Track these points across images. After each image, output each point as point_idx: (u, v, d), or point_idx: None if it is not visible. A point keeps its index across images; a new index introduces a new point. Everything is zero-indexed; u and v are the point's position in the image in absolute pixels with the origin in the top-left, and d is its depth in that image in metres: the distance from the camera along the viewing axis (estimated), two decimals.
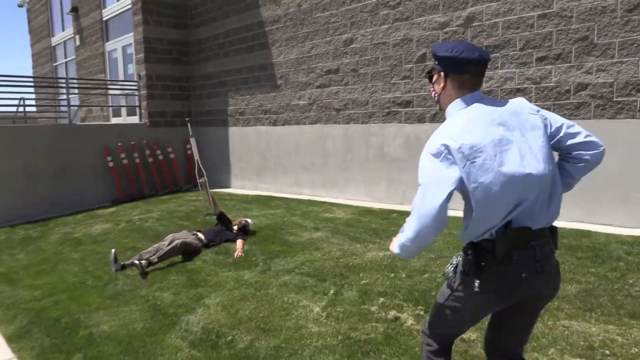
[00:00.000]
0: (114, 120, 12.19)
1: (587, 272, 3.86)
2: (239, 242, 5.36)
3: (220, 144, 10.48)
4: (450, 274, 1.87)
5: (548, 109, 5.55)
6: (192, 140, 6.69)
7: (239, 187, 10.11)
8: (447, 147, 1.67)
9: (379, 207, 7.01)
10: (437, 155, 1.68)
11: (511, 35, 5.76)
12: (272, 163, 9.33)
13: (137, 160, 10.04)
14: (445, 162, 1.68)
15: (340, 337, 3.16)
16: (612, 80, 5.06)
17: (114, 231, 6.80)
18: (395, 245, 1.85)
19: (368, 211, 6.82)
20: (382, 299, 3.68)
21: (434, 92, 1.88)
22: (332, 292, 3.94)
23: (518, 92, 5.78)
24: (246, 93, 9.68)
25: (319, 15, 8.03)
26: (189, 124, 6.48)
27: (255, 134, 9.61)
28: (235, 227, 5.78)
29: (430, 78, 1.89)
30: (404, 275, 4.14)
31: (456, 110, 1.77)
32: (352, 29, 7.54)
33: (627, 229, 4.95)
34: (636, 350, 2.76)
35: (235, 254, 5.09)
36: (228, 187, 10.34)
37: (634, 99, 4.95)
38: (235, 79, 9.90)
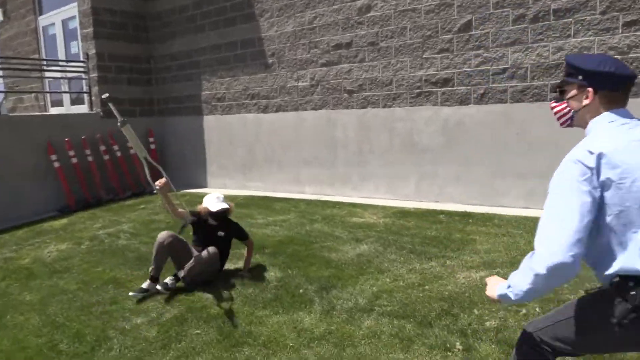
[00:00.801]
0: (54, 110, 10.05)
1: None
2: (249, 246, 4.24)
3: (193, 136, 8.81)
4: None
5: (638, 85, 4.59)
6: (127, 130, 3.72)
7: (219, 186, 8.52)
8: None
9: (413, 207, 5.82)
10: None
11: None
12: (262, 157, 7.85)
13: (90, 159, 8.15)
14: None
15: None
16: None
17: (77, 254, 5.09)
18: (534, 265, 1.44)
19: (404, 213, 5.61)
20: None
21: (563, 108, 1.68)
22: (457, 345, 2.68)
23: None
24: (226, 75, 8.09)
25: None
26: (112, 107, 3.69)
27: (239, 124, 8.06)
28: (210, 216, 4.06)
29: (563, 92, 1.68)
30: (537, 309, 2.97)
31: (597, 124, 1.57)
32: None
33: None
34: None
35: (243, 266, 4.14)
36: (204, 186, 8.72)
37: None
38: (210, 58, 8.27)
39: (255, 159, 7.94)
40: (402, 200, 6.26)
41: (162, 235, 3.84)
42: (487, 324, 2.89)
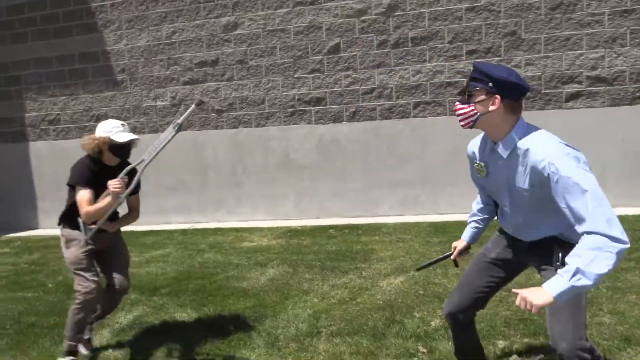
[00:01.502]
0: None
1: None
2: (136, 208, 3.10)
3: (13, 168, 7.22)
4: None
5: None
6: None
7: (56, 225, 7.12)
8: None
9: (299, 225, 5.83)
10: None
11: (439, 27, 5.53)
12: None
13: None
14: None
15: None
16: (540, 73, 5.34)
17: None
18: (608, 261, 1.48)
19: (293, 232, 5.57)
20: (501, 342, 2.74)
21: (470, 111, 1.78)
22: (420, 348, 2.76)
23: (449, 85, 5.59)
24: (61, 93, 6.89)
25: None
26: None
27: (81, 150, 6.90)
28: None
29: (470, 96, 1.79)
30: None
31: (530, 129, 1.78)
32: (236, 11, 6.11)
33: None
34: None
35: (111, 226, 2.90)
36: (34, 227, 7.20)
37: (559, 90, 5.33)
38: (37, 72, 6.95)
39: None
40: (283, 219, 6.21)
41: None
42: (433, 323, 3.04)
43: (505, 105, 1.74)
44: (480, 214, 2.20)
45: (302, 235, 5.41)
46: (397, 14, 5.64)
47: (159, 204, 6.69)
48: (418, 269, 2.30)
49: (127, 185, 2.67)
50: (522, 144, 1.74)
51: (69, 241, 2.82)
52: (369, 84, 5.82)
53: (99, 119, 6.80)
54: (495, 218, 2.15)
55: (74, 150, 6.82)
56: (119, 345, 3.16)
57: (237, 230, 5.89)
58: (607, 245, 1.49)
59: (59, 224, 2.92)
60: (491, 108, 1.74)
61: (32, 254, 5.77)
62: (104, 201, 2.64)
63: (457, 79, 5.57)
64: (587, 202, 1.54)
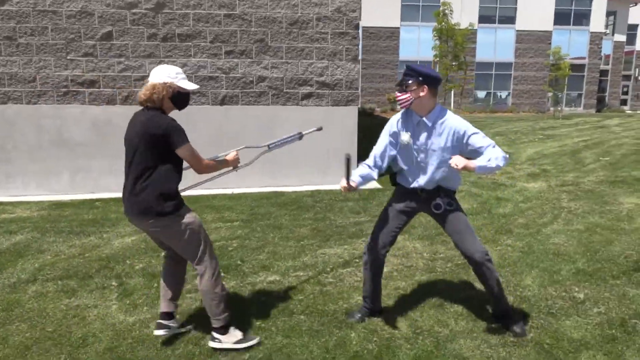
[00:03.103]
0: None
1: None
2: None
3: None
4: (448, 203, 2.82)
5: (237, 96, 6.60)
6: None
7: None
8: None
9: (69, 199, 6.21)
10: None
11: (202, 28, 6.40)
12: None
13: None
14: None
15: None
16: (282, 75, 6.62)
17: None
18: (500, 159, 2.59)
19: (59, 204, 5.95)
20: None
21: (407, 96, 2.67)
22: (113, 283, 3.59)
23: (211, 79, 6.53)
24: None
25: None
26: None
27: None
28: None
29: (404, 86, 2.66)
30: None
31: (443, 109, 2.76)
32: None
33: (297, 187, 6.70)
34: None
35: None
36: None
37: (296, 91, 6.67)
38: None
39: None
40: (56, 194, 6.49)
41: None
42: (137, 267, 3.91)
43: (429, 92, 2.64)
44: (368, 174, 2.80)
45: (67, 207, 5.83)
46: (165, 11, 6.34)
47: None
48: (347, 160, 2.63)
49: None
50: (441, 117, 2.69)
51: (176, 211, 2.53)
52: (141, 72, 6.44)
53: None
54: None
55: None
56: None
57: (1, 203, 6.00)
58: (498, 151, 2.61)
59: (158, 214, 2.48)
60: (421, 94, 2.64)
61: None
62: (218, 162, 2.69)
63: (217, 74, 6.53)
64: (484, 140, 2.66)
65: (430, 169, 2.73)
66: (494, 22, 27.54)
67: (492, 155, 2.57)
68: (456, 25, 14.15)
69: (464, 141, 2.65)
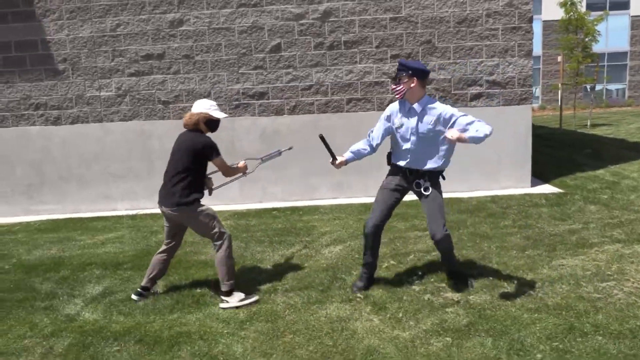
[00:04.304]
0: None
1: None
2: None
3: None
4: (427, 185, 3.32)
5: None
6: None
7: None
8: None
9: (245, 209, 6.40)
10: None
11: (367, 33, 6.33)
12: (56, 175, 6.95)
13: None
14: None
15: None
16: (450, 76, 6.35)
17: None
18: (486, 129, 3.00)
19: (240, 214, 6.13)
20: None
21: (401, 87, 3.18)
22: (358, 295, 3.51)
23: (376, 85, 6.43)
24: None
25: None
26: None
27: (20, 138, 6.90)
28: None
29: (397, 79, 3.19)
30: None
31: (430, 100, 3.25)
32: (181, 8, 6.48)
33: (468, 193, 6.36)
34: None
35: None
36: None
37: (465, 91, 6.37)
38: None
39: (46, 178, 6.96)
40: (228, 204, 6.73)
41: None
42: (381, 271, 3.81)
43: (418, 83, 3.16)
44: (359, 150, 3.47)
45: (249, 217, 5.99)
46: (331, 19, 6.35)
47: (105, 192, 6.89)
48: (321, 138, 3.42)
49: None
50: (429, 104, 3.22)
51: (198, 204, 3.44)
52: (307, 81, 6.50)
53: (37, 107, 6.83)
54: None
55: (13, 137, 6.81)
56: (93, 311, 3.54)
57: None
58: (485, 124, 3.06)
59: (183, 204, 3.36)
60: (412, 85, 3.16)
61: None
62: (234, 169, 3.63)
63: (383, 79, 6.41)
64: (469, 118, 3.13)
65: (419, 149, 3.24)
66: (603, 9, 25.36)
67: (479, 127, 3.02)
68: (586, 15, 13.07)
69: (451, 123, 3.12)
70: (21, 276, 4.38)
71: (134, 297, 3.63)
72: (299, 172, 6.65)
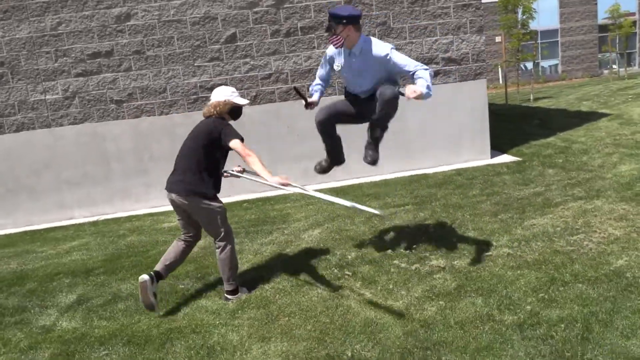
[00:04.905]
0: None
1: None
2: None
3: None
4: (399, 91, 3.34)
5: None
6: None
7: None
8: None
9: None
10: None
11: (323, 18, 6.31)
12: (2, 188, 6.49)
13: None
14: None
15: None
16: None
17: None
18: (429, 78, 3.12)
19: None
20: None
21: (339, 38, 3.20)
22: (346, 272, 3.52)
23: None
24: None
25: None
26: None
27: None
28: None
29: (332, 30, 3.20)
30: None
31: (366, 39, 3.28)
32: (128, 2, 6.19)
33: (434, 168, 6.53)
34: None
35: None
36: None
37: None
38: None
39: None
40: None
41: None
42: (349, 256, 3.83)
43: (354, 28, 3.20)
44: (319, 85, 3.63)
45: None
46: (285, 6, 6.28)
47: (59, 200, 6.52)
48: (295, 89, 3.48)
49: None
50: (366, 46, 3.24)
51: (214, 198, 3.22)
52: (267, 70, 6.41)
53: None
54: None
55: None
56: (71, 319, 3.33)
57: (151, 215, 6.10)
58: (425, 70, 3.15)
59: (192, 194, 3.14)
60: (348, 33, 3.19)
61: None
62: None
63: None
64: (406, 59, 3.22)
65: (365, 86, 3.36)
66: None
67: (426, 77, 3.10)
68: None
69: (387, 59, 3.18)
70: None
71: (144, 276, 3.13)
72: (265, 160, 6.54)
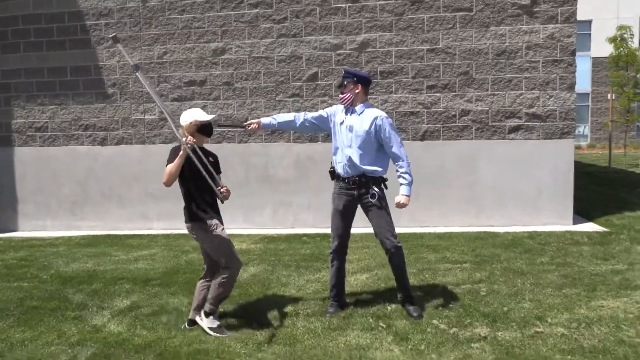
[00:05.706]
0: None
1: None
2: None
3: None
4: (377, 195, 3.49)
5: (438, 130, 6.37)
6: (141, 75, 3.33)
7: (37, 228, 7.41)
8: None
9: (275, 233, 6.42)
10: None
11: (404, 64, 6.38)
12: (98, 193, 7.26)
13: None
14: None
15: None
16: (488, 108, 6.25)
17: None
18: (408, 174, 3.49)
19: (270, 238, 6.15)
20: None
21: (348, 95, 3.46)
22: (380, 324, 3.40)
23: (411, 115, 6.41)
24: (50, 102, 7.29)
25: (176, 17, 6.88)
26: (121, 48, 3.39)
27: (68, 157, 7.29)
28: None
29: (343, 86, 3.47)
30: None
31: (370, 105, 3.56)
32: (224, 38, 6.78)
33: (505, 227, 6.13)
34: None
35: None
36: (12, 230, 7.43)
37: (503, 124, 6.24)
38: (26, 82, 7.33)
39: (89, 196, 7.28)
40: (259, 228, 6.78)
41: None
42: (389, 308, 3.69)
43: (362, 89, 3.47)
44: (283, 120, 3.69)
45: (278, 241, 5.99)
46: (368, 50, 6.45)
47: (142, 211, 7.12)
48: (219, 125, 4.11)
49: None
50: (368, 108, 3.49)
51: (211, 228, 3.30)
52: None
53: (87, 128, 7.23)
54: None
55: (62, 156, 7.21)
56: (119, 323, 3.60)
57: None
58: (408, 166, 3.47)
59: (192, 220, 3.34)
60: (356, 91, 3.46)
61: (17, 252, 6.07)
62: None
63: (418, 109, 6.40)
64: (397, 146, 3.45)
65: (355, 147, 3.42)
66: None
67: (407, 178, 3.46)
68: (637, 50, 12.66)
69: (380, 127, 3.38)
70: (57, 286, 4.54)
71: (186, 326, 3.48)
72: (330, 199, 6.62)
